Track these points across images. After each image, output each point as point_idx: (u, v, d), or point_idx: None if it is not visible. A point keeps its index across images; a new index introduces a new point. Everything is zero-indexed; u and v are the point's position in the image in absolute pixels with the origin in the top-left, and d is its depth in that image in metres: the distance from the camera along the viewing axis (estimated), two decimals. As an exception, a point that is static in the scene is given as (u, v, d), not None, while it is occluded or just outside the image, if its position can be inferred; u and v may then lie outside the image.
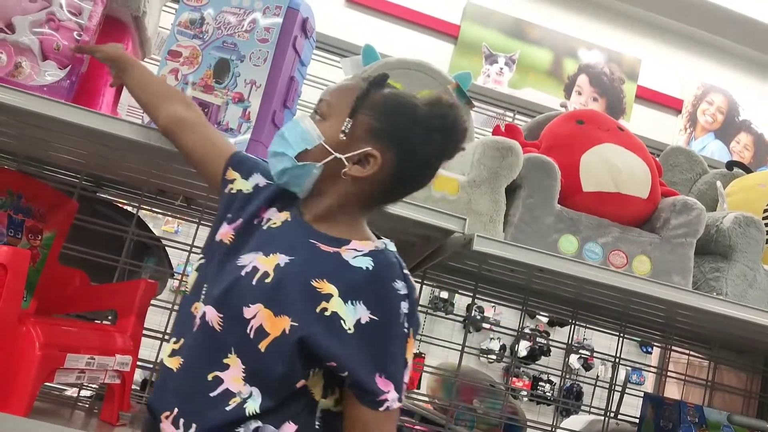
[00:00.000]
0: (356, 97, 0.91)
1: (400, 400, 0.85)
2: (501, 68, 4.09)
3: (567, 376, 3.88)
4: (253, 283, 0.85)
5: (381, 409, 0.84)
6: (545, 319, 4.44)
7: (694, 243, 1.39)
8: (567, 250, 1.35)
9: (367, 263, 0.88)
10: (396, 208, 1.20)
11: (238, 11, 1.14)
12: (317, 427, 0.87)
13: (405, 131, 0.91)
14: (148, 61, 1.38)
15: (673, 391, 2.15)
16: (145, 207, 1.69)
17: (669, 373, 2.04)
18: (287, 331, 0.82)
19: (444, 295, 4.38)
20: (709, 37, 4.24)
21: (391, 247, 0.93)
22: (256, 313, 0.83)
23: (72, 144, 1.30)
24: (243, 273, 0.86)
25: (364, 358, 0.84)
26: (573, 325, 1.84)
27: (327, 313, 0.84)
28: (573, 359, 4.26)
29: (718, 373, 1.90)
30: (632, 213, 1.41)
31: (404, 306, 0.86)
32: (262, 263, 0.86)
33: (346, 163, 0.90)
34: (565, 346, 1.87)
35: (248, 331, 0.83)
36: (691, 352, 2.01)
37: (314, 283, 0.84)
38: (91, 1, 1.15)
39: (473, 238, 1.19)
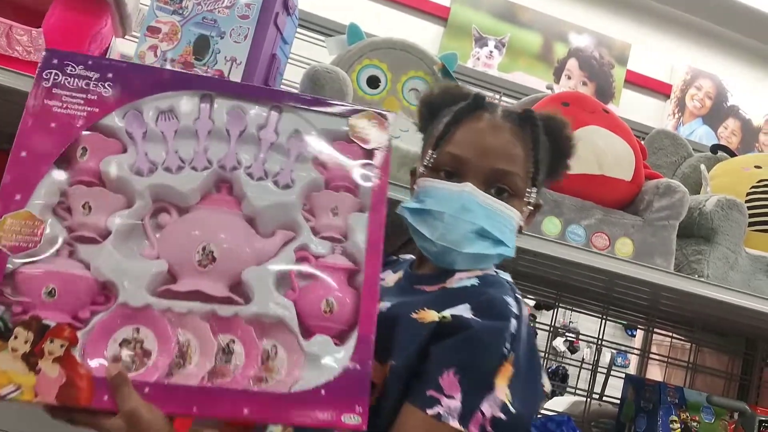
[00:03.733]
0: (534, 162, 0.83)
1: (463, 424, 0.65)
2: (491, 51, 4.07)
3: (552, 359, 3.91)
4: None
5: (429, 411, 0.66)
6: (532, 302, 4.47)
7: (676, 225, 1.40)
8: (550, 232, 1.35)
9: (471, 282, 0.78)
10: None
11: (218, -13, 1.12)
12: None
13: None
14: (129, 38, 1.36)
15: (656, 373, 2.17)
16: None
17: (652, 355, 2.05)
18: (387, 374, 0.71)
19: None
20: (698, 22, 4.24)
21: (505, 275, 0.83)
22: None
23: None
24: None
25: (443, 348, 0.69)
26: (557, 308, 1.85)
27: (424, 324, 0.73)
28: (558, 342, 4.30)
29: (700, 356, 1.92)
30: (616, 195, 1.41)
31: (513, 324, 0.70)
32: None
33: (523, 226, 0.85)
34: (549, 326, 1.88)
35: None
36: (674, 335, 2.03)
37: (414, 315, 0.73)
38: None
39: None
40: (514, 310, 0.73)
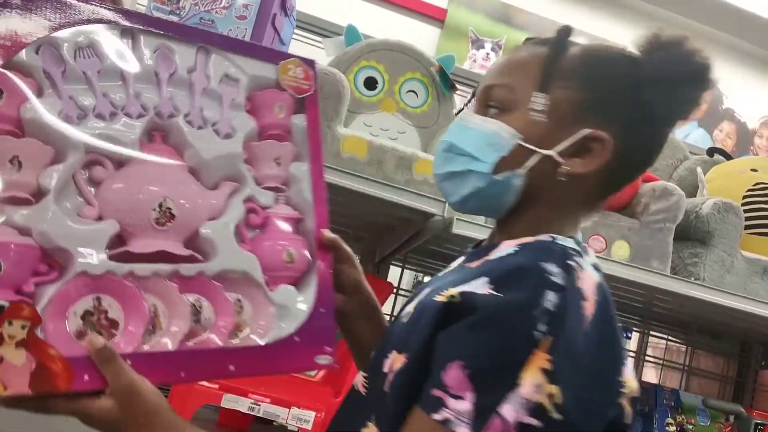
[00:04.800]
0: (543, 66, 0.66)
1: (475, 428, 0.51)
2: (487, 53, 4.08)
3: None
4: (395, 330, 0.67)
5: (435, 416, 0.53)
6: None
7: (673, 228, 1.40)
8: (547, 235, 1.35)
9: (509, 251, 0.63)
10: (375, 190, 1.19)
11: (216, -13, 1.11)
12: None
13: (626, 95, 0.66)
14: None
15: (651, 374, 2.17)
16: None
17: (647, 358, 2.06)
18: (398, 366, 0.61)
19: (427, 278, 4.39)
20: (693, 24, 4.25)
21: (566, 241, 0.64)
22: (391, 361, 0.61)
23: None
24: (391, 325, 0.70)
25: (447, 335, 0.56)
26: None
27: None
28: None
29: (696, 358, 1.93)
30: (612, 198, 1.41)
31: (548, 296, 0.54)
32: (410, 307, 0.66)
33: (559, 159, 0.65)
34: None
35: (385, 386, 0.61)
36: (669, 337, 2.03)
37: (437, 298, 0.59)
38: None
39: (453, 221, 1.19)
40: (556, 279, 0.55)
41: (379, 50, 1.50)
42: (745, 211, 1.47)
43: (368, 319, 0.77)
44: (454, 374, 0.53)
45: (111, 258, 0.62)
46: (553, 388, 0.51)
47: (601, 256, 1.33)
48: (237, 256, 0.68)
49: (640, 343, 2.12)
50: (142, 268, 0.63)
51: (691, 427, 1.45)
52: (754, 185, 1.54)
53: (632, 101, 0.66)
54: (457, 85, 1.73)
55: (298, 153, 0.74)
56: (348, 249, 0.76)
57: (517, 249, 0.63)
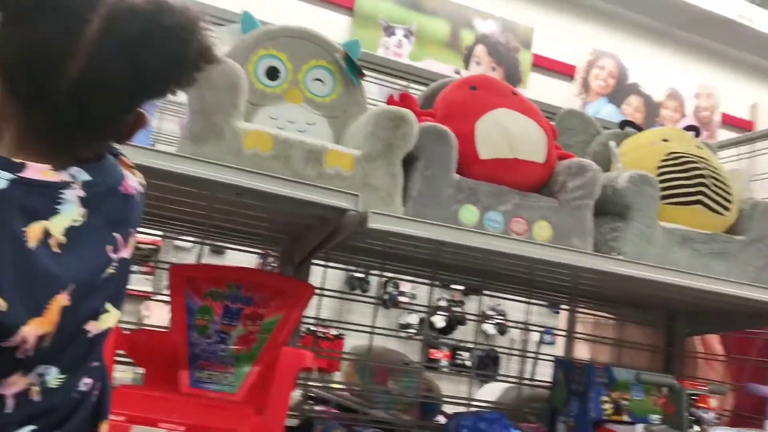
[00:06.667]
0: None
1: None
2: (400, 40, 4.03)
3: (482, 344, 3.95)
4: None
5: None
6: (461, 288, 4.49)
7: (591, 204, 1.38)
8: (468, 221, 1.30)
9: None
10: (284, 188, 1.11)
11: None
12: None
13: None
14: None
15: (583, 348, 2.18)
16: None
17: (578, 335, 2.07)
18: None
19: (360, 273, 4.31)
20: (597, 3, 4.35)
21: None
22: None
23: None
24: None
25: None
26: (482, 295, 1.82)
27: None
28: (488, 325, 4.33)
29: (625, 330, 1.94)
30: (530, 178, 1.38)
31: None
32: None
33: None
34: (477, 315, 1.85)
35: None
36: (598, 312, 2.05)
37: None
38: None
39: (367, 215, 1.12)
40: None
41: (279, 37, 1.40)
42: (661, 181, 1.47)
43: None
44: None
45: None
46: None
47: (522, 239, 1.29)
48: None
49: (570, 321, 2.12)
50: None
51: (626, 402, 1.45)
52: (667, 155, 1.54)
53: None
54: (371, 72, 1.65)
55: None
56: None
57: None
